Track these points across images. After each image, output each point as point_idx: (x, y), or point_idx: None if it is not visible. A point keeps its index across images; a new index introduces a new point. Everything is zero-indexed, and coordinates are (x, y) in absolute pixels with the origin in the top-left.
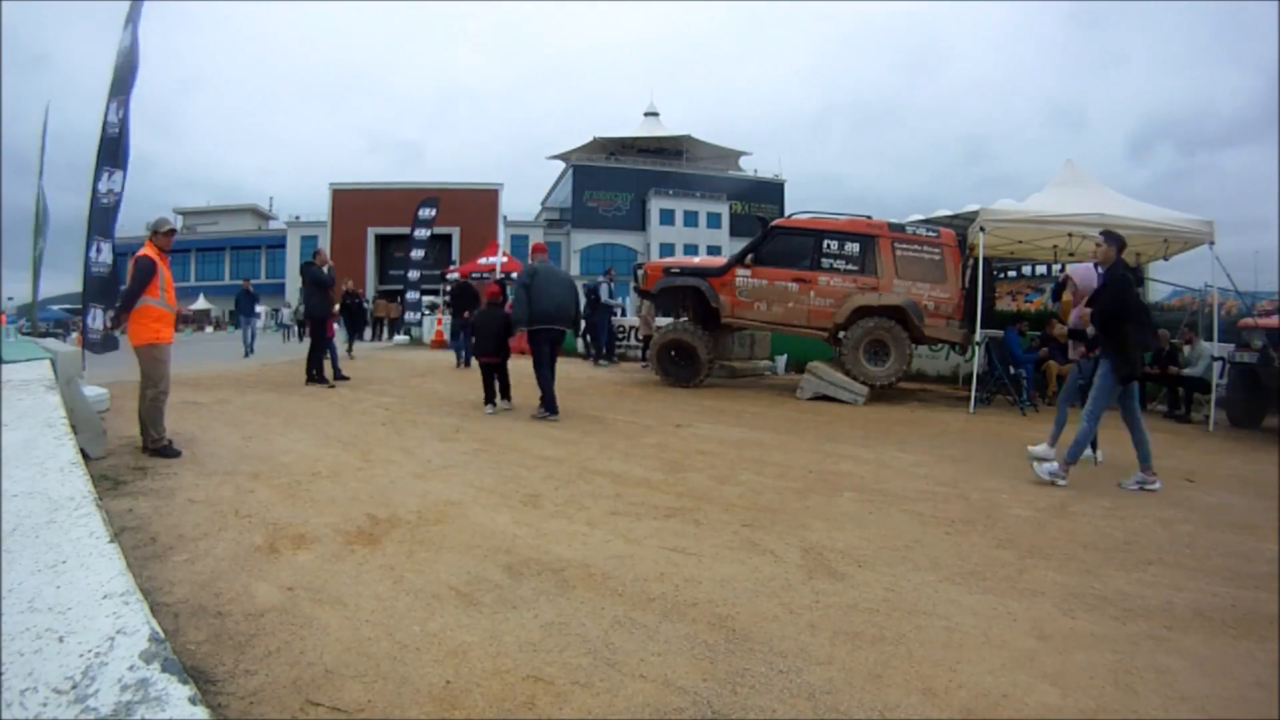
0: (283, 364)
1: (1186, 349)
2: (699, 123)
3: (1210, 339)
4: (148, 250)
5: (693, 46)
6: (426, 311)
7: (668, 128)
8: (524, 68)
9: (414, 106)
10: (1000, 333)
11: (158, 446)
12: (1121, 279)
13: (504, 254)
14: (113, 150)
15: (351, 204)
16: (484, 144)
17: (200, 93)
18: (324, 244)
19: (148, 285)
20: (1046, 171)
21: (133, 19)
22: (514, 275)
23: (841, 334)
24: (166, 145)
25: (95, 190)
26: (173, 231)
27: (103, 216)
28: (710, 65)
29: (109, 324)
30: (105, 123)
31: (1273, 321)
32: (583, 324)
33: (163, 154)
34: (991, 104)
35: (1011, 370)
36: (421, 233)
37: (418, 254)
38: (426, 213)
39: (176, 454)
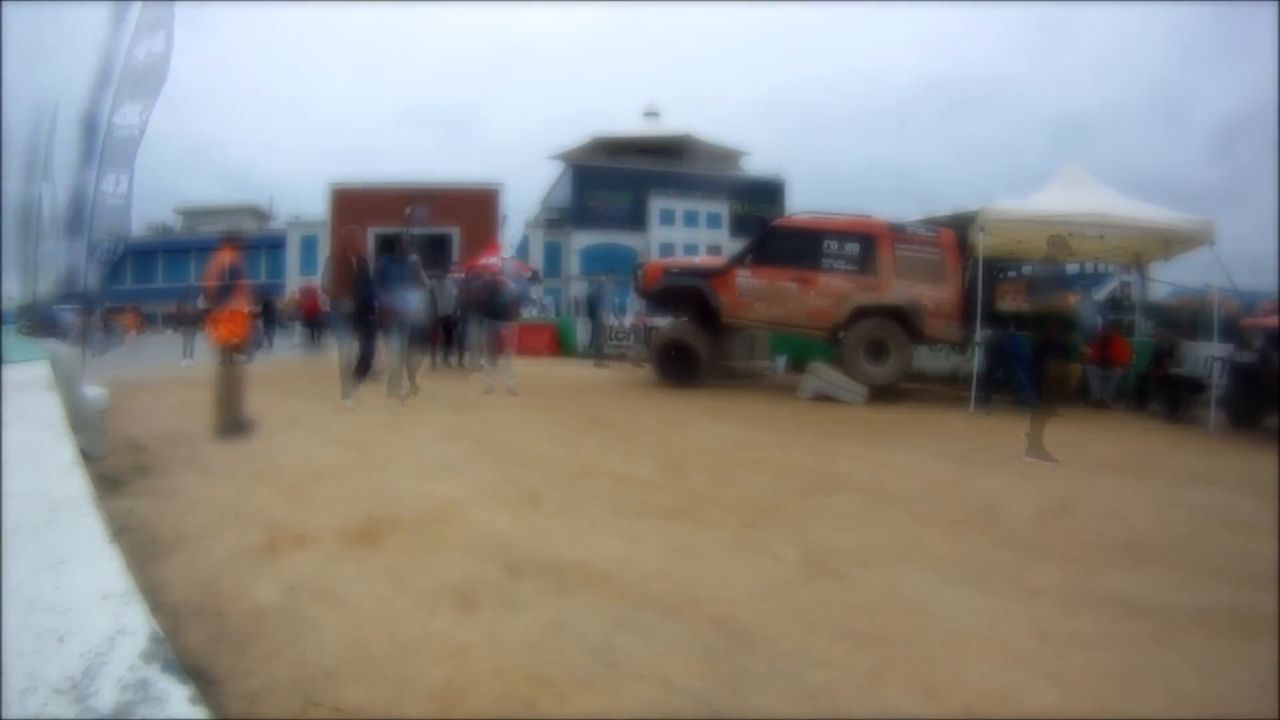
0: (282, 364)
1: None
2: (702, 122)
3: (1210, 339)
4: (236, 259)
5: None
6: None
7: (668, 127)
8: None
9: (458, 70)
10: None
11: (234, 424)
12: None
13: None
14: (124, 152)
15: (351, 204)
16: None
17: (197, 53)
18: (323, 244)
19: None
20: (1122, 167)
21: (164, 24)
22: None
23: (841, 334)
24: (164, 117)
25: (98, 190)
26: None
27: (108, 216)
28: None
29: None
30: (111, 122)
31: (1273, 321)
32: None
33: (158, 130)
34: (1097, 85)
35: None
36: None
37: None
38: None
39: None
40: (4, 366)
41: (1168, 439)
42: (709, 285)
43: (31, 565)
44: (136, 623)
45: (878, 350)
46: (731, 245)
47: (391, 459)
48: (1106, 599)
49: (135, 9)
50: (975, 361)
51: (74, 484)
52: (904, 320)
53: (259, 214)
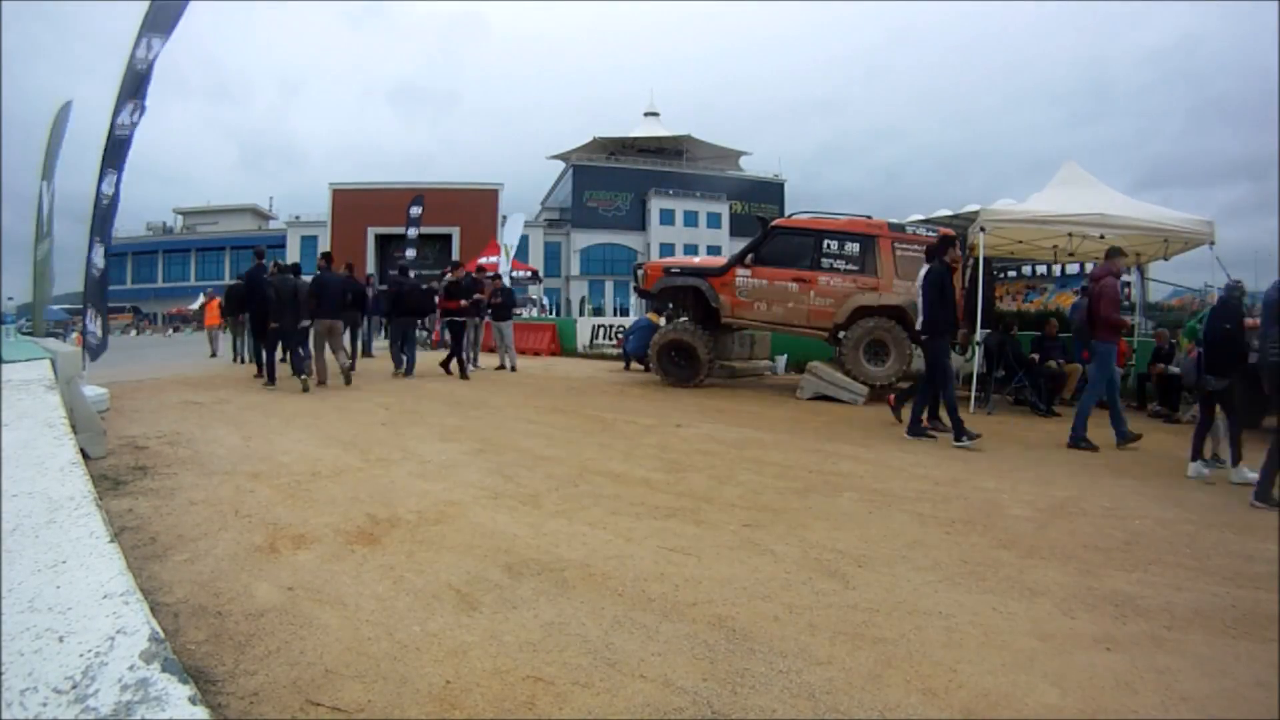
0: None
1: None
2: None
3: None
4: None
5: None
6: None
7: (668, 126)
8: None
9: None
10: (1005, 334)
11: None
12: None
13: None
14: (116, 152)
15: (351, 204)
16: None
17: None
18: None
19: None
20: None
21: (165, 27)
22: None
23: (841, 334)
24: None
25: (99, 192)
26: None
27: (99, 219)
28: None
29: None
30: (114, 124)
31: None
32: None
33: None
34: None
35: (1020, 373)
36: (411, 231)
37: (411, 253)
38: (415, 211)
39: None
40: (4, 366)
41: (1168, 439)
42: (709, 285)
43: (31, 565)
44: (136, 623)
45: (878, 350)
46: (731, 245)
47: (391, 459)
48: (1106, 599)
49: (143, 8)
50: (975, 361)
51: (74, 484)
52: (904, 320)
53: (259, 214)
